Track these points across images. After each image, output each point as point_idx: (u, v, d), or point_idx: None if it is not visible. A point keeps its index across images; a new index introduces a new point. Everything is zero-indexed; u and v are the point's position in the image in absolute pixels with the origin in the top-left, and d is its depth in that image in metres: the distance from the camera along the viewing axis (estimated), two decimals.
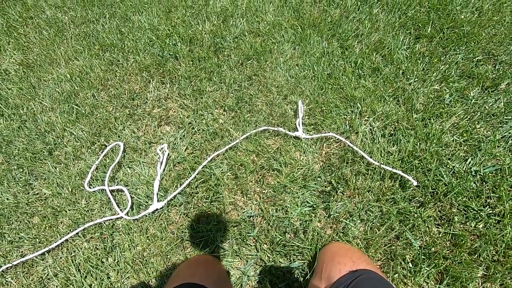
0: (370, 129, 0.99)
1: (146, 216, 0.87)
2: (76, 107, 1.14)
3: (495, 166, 0.86)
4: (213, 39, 1.31)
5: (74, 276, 0.80)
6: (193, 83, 1.17)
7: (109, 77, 1.22)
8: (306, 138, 0.97)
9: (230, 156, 0.95)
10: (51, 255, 0.84)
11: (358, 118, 1.01)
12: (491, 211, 0.79)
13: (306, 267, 0.76)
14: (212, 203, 0.88)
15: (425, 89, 1.06)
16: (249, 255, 0.80)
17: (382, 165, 0.87)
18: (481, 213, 0.79)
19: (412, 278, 0.73)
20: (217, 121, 1.05)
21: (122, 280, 0.79)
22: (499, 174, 0.85)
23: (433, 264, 0.73)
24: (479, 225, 0.78)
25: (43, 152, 1.04)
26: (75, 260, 0.82)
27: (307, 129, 1.01)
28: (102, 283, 0.78)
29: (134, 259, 0.81)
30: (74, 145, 1.04)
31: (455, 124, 0.96)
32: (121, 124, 1.08)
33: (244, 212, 0.86)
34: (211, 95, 1.13)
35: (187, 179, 0.92)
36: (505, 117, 0.96)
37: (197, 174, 0.92)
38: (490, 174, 0.85)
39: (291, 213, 0.84)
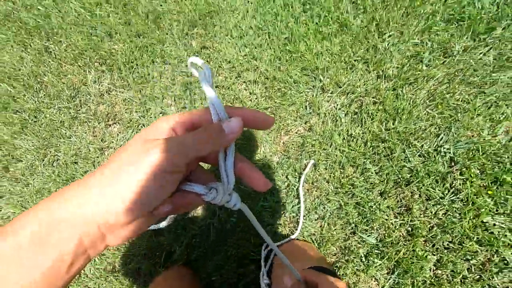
0: (334, 107, 0.87)
1: None
2: (19, 114, 1.05)
3: (468, 143, 0.77)
4: (151, 1, 1.08)
5: None
6: (134, 69, 1.02)
7: (43, 70, 1.08)
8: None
9: None
10: None
11: (321, 94, 0.89)
12: (454, 197, 0.75)
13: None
14: None
15: (401, 45, 0.88)
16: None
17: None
18: (443, 200, 0.75)
19: (366, 270, 0.75)
20: (166, 115, 0.96)
21: None
22: (471, 152, 0.77)
23: (386, 257, 0.74)
24: (439, 212, 0.75)
25: None
26: None
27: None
28: None
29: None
30: (27, 159, 1.00)
31: (431, 91, 0.83)
32: (68, 129, 1.00)
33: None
34: (156, 83, 0.99)
35: None
36: (492, 76, 0.81)
37: None
38: (461, 153, 0.77)
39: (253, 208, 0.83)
